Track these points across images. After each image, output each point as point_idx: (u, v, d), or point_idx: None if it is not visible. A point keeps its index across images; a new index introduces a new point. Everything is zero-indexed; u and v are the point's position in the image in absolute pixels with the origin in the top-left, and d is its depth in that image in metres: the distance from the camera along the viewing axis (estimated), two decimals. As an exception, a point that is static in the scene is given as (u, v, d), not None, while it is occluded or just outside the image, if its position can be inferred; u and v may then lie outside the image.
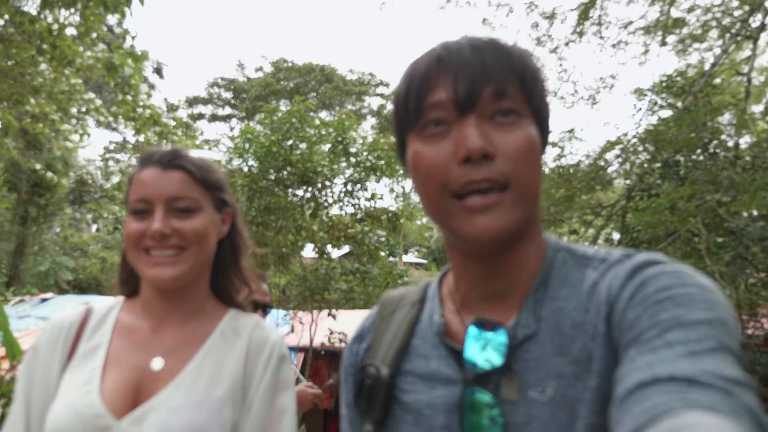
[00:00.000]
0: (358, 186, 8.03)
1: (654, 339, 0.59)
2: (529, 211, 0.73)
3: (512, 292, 0.78)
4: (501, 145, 0.70)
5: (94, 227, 24.55)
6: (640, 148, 7.95)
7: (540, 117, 0.76)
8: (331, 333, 7.53)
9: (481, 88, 0.71)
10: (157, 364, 1.12)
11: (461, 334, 0.78)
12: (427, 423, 0.77)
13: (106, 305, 1.26)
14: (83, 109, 8.89)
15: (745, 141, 8.10)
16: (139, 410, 1.05)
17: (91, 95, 9.28)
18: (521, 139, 0.71)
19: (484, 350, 0.74)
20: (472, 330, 0.76)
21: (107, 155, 25.43)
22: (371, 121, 29.90)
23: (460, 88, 0.71)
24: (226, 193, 1.26)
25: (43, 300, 10.94)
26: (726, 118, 7.99)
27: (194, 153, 1.21)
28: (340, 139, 7.81)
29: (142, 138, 8.51)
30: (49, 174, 10.61)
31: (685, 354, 0.56)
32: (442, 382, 0.78)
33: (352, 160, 7.93)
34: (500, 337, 0.74)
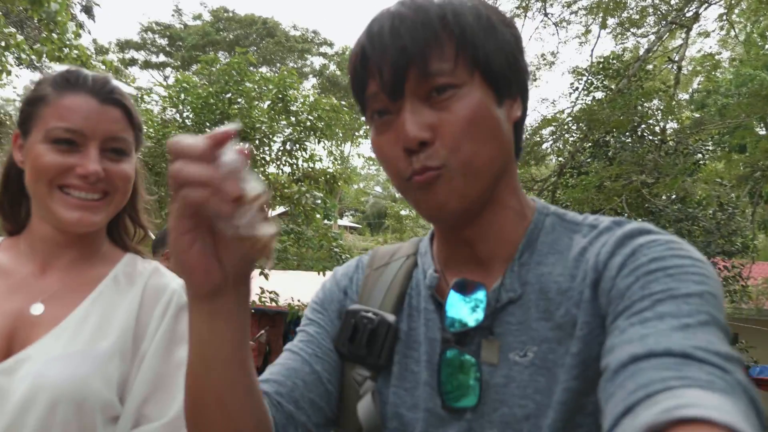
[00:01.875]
0: (297, 146, 7.91)
1: (645, 310, 0.59)
2: (483, 183, 0.71)
3: (494, 257, 0.77)
4: (439, 125, 0.69)
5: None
6: (574, 127, 8.22)
7: (490, 71, 0.71)
8: (262, 292, 7.49)
9: (405, 72, 0.69)
10: (36, 309, 1.00)
11: (446, 293, 0.77)
12: (413, 377, 0.77)
13: None
14: (2, 44, 8.25)
15: (670, 127, 8.52)
16: (11, 360, 0.93)
17: (12, 30, 8.61)
18: (460, 114, 0.69)
19: (474, 311, 0.74)
20: (454, 290, 0.76)
21: (28, 96, 23.79)
22: (313, 80, 29.33)
23: (384, 78, 0.70)
24: (142, 136, 1.15)
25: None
26: (655, 103, 8.37)
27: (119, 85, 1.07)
28: (280, 96, 7.62)
29: (67, 80, 8.01)
30: (-38, 111, 9.85)
31: (677, 327, 0.55)
32: (426, 337, 0.78)
33: (292, 119, 7.77)
34: (480, 296, 0.74)
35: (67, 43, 7.77)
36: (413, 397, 0.76)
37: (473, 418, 0.72)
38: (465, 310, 0.75)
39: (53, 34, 7.67)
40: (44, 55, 7.96)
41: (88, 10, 22.39)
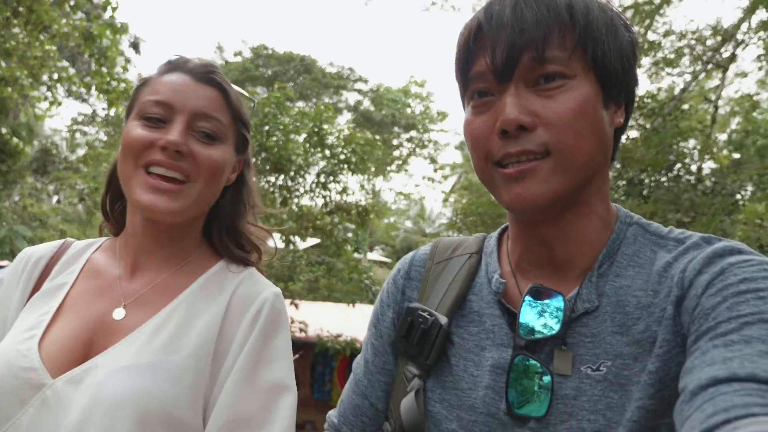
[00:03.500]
0: (331, 178, 8.05)
1: (731, 333, 0.55)
2: (577, 179, 0.69)
3: (572, 263, 0.75)
4: (543, 113, 0.67)
5: (54, 198, 23.92)
6: (608, 165, 8.16)
7: (604, 70, 0.69)
8: (292, 322, 7.54)
9: (519, 54, 0.67)
10: (118, 314, 0.92)
11: (516, 297, 0.75)
12: (471, 380, 0.76)
13: (87, 242, 1.06)
14: (55, 77, 8.69)
15: (707, 166, 8.40)
16: (80, 368, 0.86)
17: (65, 63, 9.07)
18: (566, 105, 0.67)
19: (541, 317, 0.72)
20: (529, 296, 0.74)
21: (75, 127, 24.78)
22: (347, 116, 29.83)
23: (497, 57, 0.68)
24: (249, 135, 1.06)
25: (-2, 268, 10.65)
26: (691, 143, 8.27)
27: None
28: (316, 129, 7.81)
29: (113, 112, 8.38)
30: (15, 139, 10.31)
31: (765, 352, 0.52)
32: (493, 342, 0.76)
33: (327, 152, 7.94)
34: (557, 304, 0.71)
35: (116, 76, 8.13)
36: (470, 398, 0.75)
37: (537, 427, 0.70)
38: (531, 314, 0.73)
39: (103, 68, 8.05)
40: (93, 88, 8.35)
41: (135, 46, 23.38)
